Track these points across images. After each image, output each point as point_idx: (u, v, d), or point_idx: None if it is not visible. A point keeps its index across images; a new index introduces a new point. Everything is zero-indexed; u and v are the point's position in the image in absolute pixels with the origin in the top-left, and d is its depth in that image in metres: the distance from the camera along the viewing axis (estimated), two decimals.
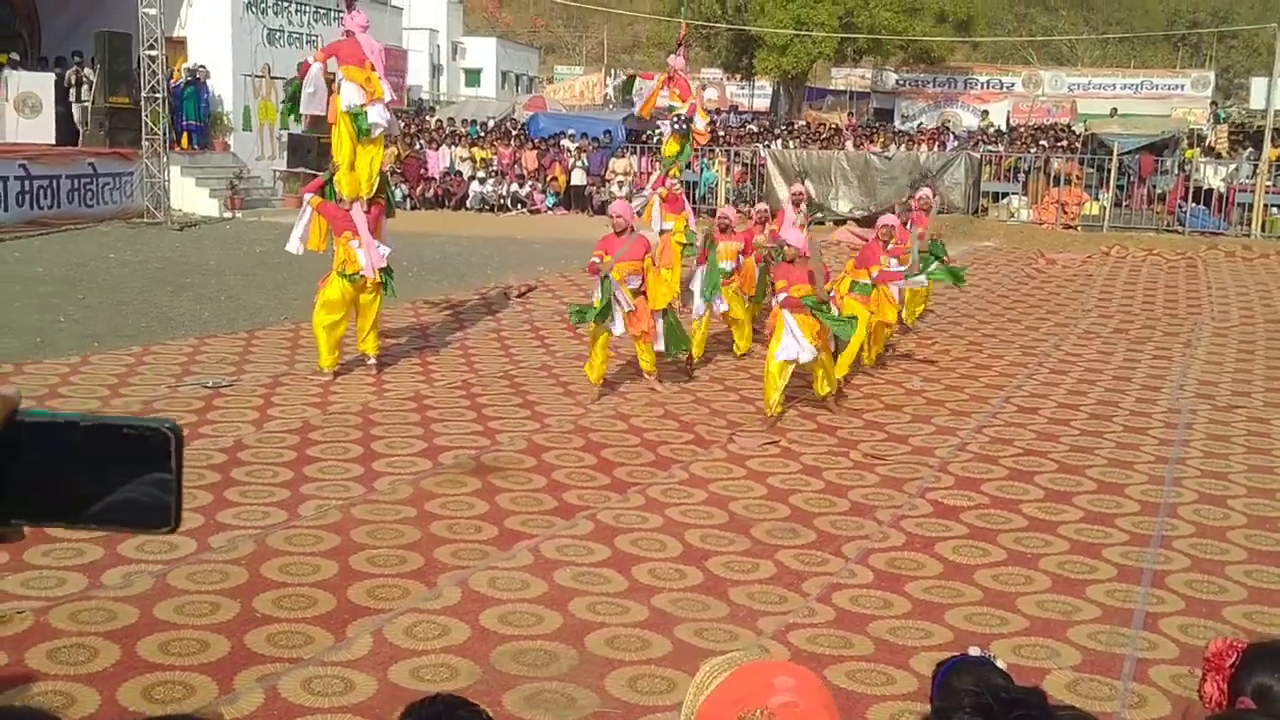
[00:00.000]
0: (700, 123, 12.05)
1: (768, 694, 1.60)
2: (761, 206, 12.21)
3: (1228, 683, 2.05)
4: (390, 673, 4.64)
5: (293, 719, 4.26)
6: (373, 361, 9.95)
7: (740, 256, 10.83)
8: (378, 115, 9.53)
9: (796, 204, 12.30)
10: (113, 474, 0.84)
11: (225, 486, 6.82)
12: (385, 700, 4.35)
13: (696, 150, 13.60)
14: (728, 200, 23.85)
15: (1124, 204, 23.78)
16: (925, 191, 13.16)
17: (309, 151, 16.13)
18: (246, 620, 5.06)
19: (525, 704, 4.44)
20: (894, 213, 11.94)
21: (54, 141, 20.04)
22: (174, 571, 5.52)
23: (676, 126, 11.91)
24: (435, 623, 5.12)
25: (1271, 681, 2.01)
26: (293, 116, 10.60)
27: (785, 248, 9.00)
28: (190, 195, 21.49)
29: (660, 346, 9.42)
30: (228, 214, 21.60)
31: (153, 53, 19.44)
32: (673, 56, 12.76)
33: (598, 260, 8.98)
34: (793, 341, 8.56)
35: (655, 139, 20.89)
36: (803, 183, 15.00)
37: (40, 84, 20.15)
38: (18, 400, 0.82)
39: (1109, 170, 23.09)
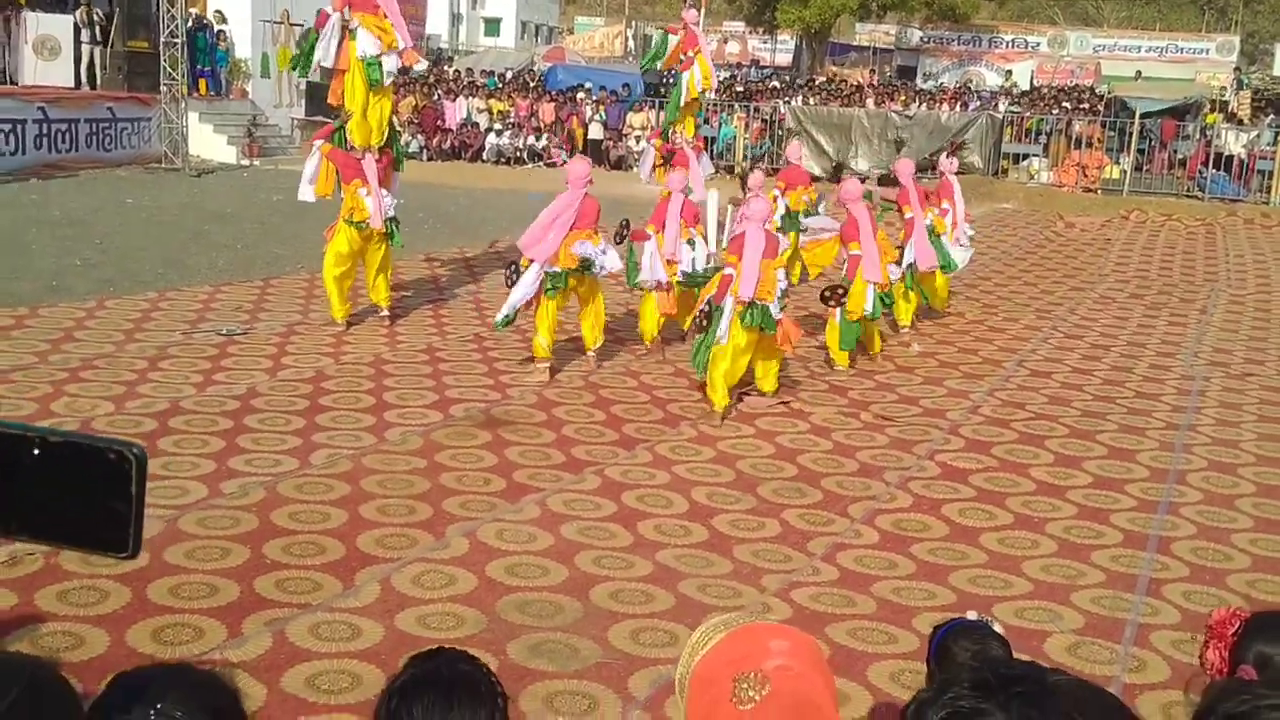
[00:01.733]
0: (697, 77, 11.71)
1: (763, 657, 1.62)
2: (757, 176, 11.84)
3: (1230, 651, 2.07)
4: (397, 620, 4.69)
5: (300, 662, 4.32)
6: (385, 313, 9.97)
7: None
8: (392, 65, 9.49)
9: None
10: (76, 492, 0.84)
11: (237, 433, 6.87)
12: (391, 646, 4.40)
13: (700, 105, 13.35)
14: (745, 156, 23.73)
15: (1144, 168, 23.54)
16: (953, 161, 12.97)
17: (327, 99, 16.07)
18: (256, 566, 5.11)
19: (529, 653, 4.49)
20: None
21: (73, 84, 20.01)
22: (185, 516, 5.58)
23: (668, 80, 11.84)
24: (442, 572, 5.17)
25: (1272, 650, 2.03)
26: (297, 69, 10.54)
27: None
28: (208, 141, 21.48)
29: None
30: (245, 161, 21.58)
31: None
32: (687, 8, 12.62)
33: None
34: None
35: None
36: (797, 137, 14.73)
37: (59, 26, 20.06)
38: None
39: (1130, 134, 22.85)
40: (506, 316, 8.46)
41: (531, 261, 8.35)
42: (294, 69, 10.31)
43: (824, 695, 1.62)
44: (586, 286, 8.74)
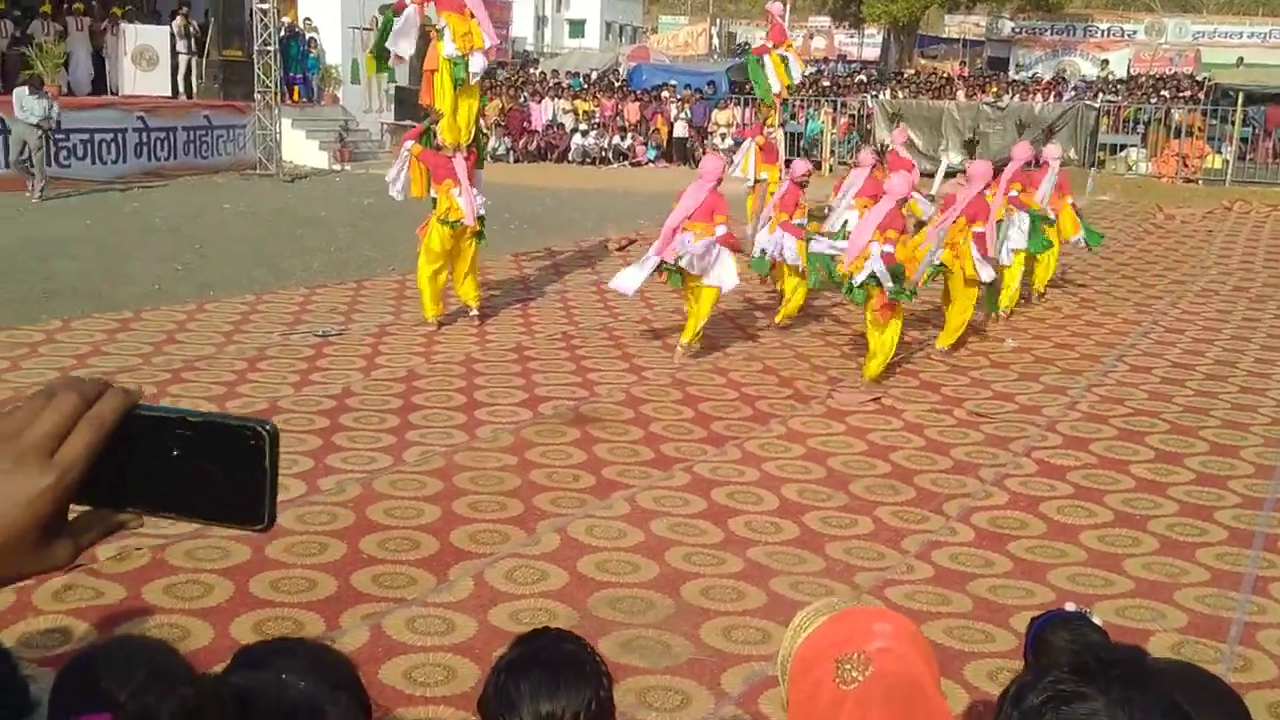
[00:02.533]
0: (794, 70, 11.76)
1: (866, 639, 1.61)
2: (867, 152, 11.95)
3: None
4: (490, 615, 4.74)
5: (396, 655, 4.38)
6: (475, 313, 10.09)
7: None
8: (478, 65, 9.57)
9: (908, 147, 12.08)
10: (215, 470, 0.87)
11: (333, 432, 7.00)
12: (485, 641, 4.45)
13: (784, 99, 13.34)
14: (831, 152, 23.55)
15: (1248, 157, 22.84)
16: (1054, 148, 12.77)
17: (417, 103, 16.33)
18: (353, 560, 5.21)
19: (621, 649, 4.50)
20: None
21: (170, 94, 20.60)
22: (284, 513, 5.70)
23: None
24: (534, 568, 5.21)
25: None
26: (378, 69, 10.58)
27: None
28: (300, 147, 21.94)
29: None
30: (336, 166, 22.00)
31: (264, 5, 19.80)
32: (771, 1, 12.58)
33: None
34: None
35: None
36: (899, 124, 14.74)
37: (157, 37, 20.69)
38: (140, 395, 0.87)
39: (1233, 122, 22.17)
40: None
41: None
42: (380, 65, 10.34)
43: (926, 677, 1.60)
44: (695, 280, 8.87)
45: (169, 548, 5.15)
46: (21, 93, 15.90)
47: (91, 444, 0.84)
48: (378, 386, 8.04)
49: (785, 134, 12.79)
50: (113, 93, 19.97)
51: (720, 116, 25.12)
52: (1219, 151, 22.36)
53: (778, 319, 10.41)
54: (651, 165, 24.69)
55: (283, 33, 22.07)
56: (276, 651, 1.29)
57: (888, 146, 14.79)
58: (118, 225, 14.42)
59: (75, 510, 0.87)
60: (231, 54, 21.12)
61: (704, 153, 24.05)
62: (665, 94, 26.31)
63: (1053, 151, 12.27)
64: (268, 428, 0.88)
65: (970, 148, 21.93)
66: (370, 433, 7.04)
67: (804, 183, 10.65)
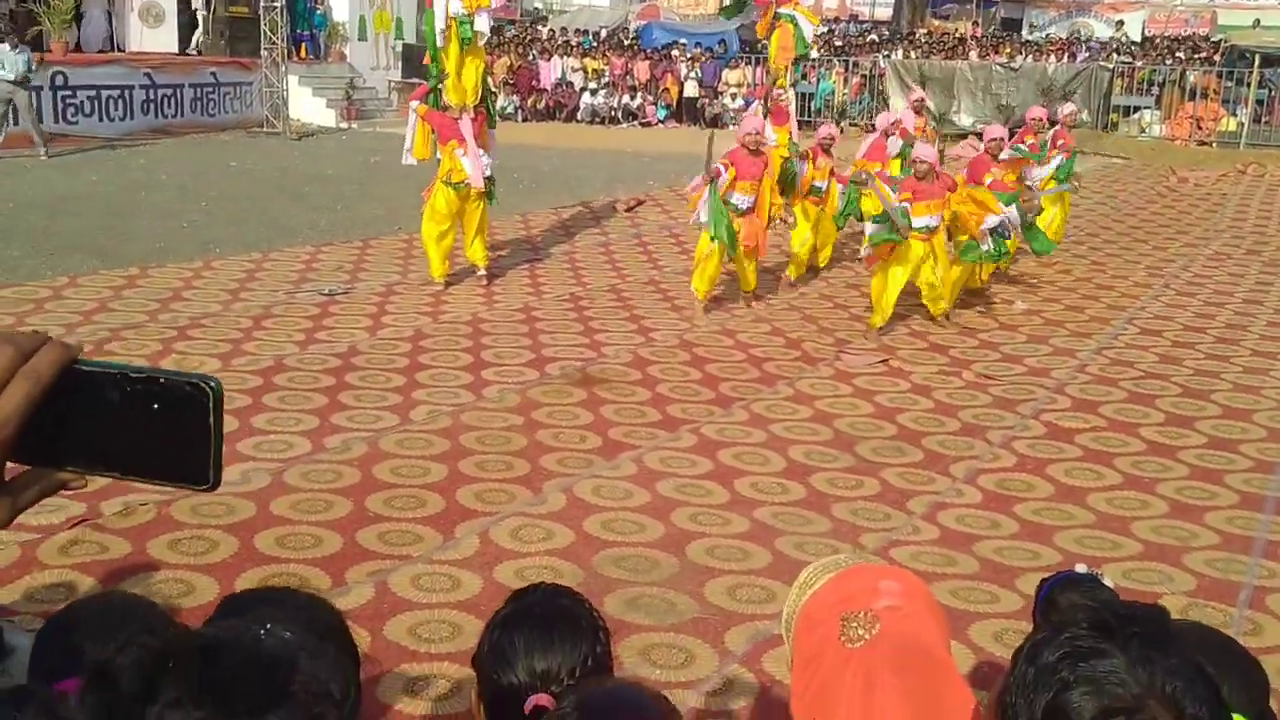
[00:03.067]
0: (805, 30, 11.60)
1: (873, 597, 1.58)
2: (886, 116, 11.85)
3: None
4: (495, 572, 4.74)
5: (401, 612, 4.38)
6: (483, 273, 10.04)
7: (831, 177, 10.57)
8: (483, 24, 9.46)
9: (918, 111, 11.94)
10: (158, 427, 0.84)
11: (339, 390, 6.99)
12: (490, 598, 4.44)
13: (798, 60, 13.21)
14: (843, 112, 23.34)
15: (1264, 120, 22.57)
16: (1071, 107, 12.65)
17: (423, 61, 16.21)
18: (358, 518, 5.20)
19: (626, 607, 4.50)
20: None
21: (177, 50, 20.47)
22: (290, 470, 5.70)
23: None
24: (540, 527, 5.20)
25: None
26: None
27: (917, 163, 8.78)
28: (307, 105, 21.82)
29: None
30: (343, 124, 21.89)
31: None
32: None
33: (722, 168, 8.84)
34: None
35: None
36: (922, 89, 14.57)
37: None
38: (79, 350, 0.83)
39: (1248, 84, 21.91)
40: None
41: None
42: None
43: (935, 637, 1.57)
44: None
45: (174, 503, 5.14)
46: (2, 49, 15.44)
47: (27, 399, 0.81)
48: (384, 346, 8.02)
49: (796, 94, 12.64)
50: (119, 49, 19.85)
51: (731, 76, 24.89)
52: (1234, 114, 22.11)
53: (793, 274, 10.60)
54: (661, 125, 24.51)
55: None
56: (262, 600, 1.27)
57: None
58: (124, 182, 14.37)
59: (14, 469, 0.84)
60: (238, 10, 20.97)
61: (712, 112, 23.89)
62: (675, 53, 26.07)
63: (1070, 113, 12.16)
64: (211, 384, 0.85)
65: (1005, 113, 21.61)
66: (376, 391, 7.02)
67: (827, 145, 10.55)
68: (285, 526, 5.07)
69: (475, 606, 4.40)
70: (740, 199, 8.93)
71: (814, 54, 15.77)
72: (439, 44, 9.47)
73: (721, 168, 8.84)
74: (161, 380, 0.84)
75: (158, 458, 0.85)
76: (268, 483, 5.51)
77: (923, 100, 12.38)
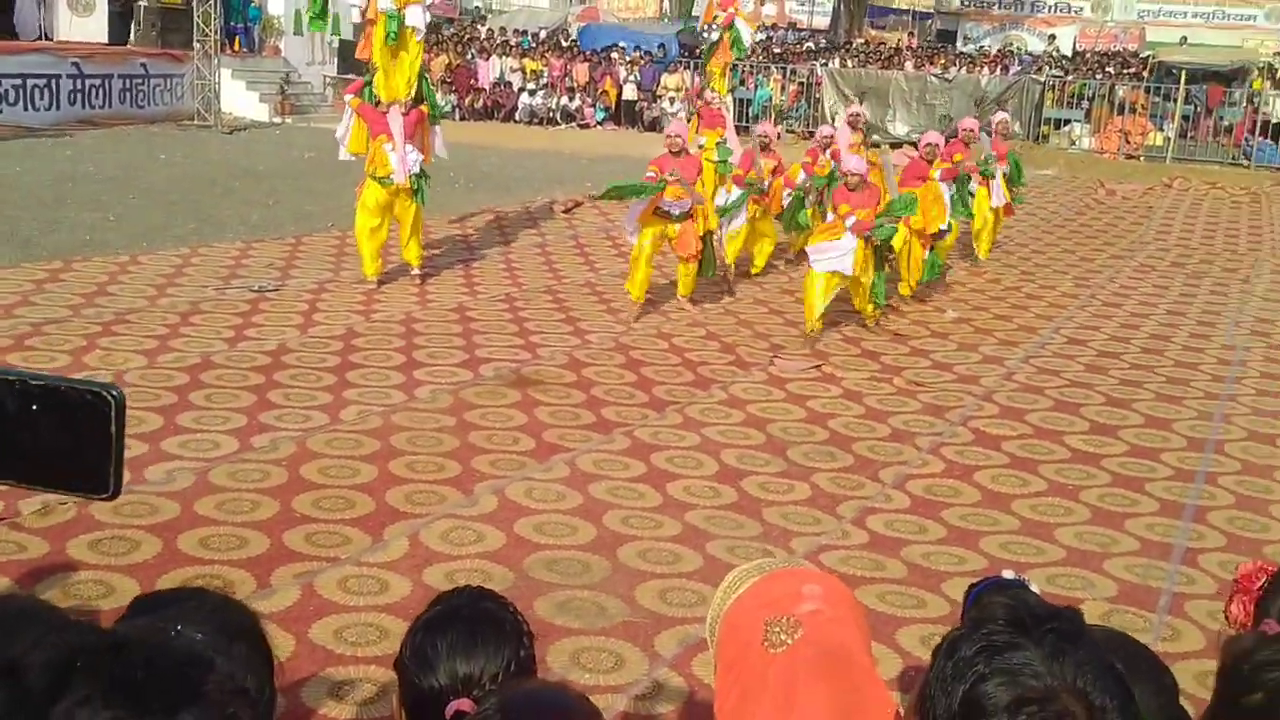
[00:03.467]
0: (744, 36, 11.72)
1: (795, 602, 1.58)
2: (825, 130, 11.96)
3: (1254, 605, 2.03)
4: (425, 575, 4.69)
5: (328, 615, 4.32)
6: (416, 272, 9.95)
7: (773, 175, 10.69)
8: (416, 18, 9.37)
9: (854, 126, 12.07)
10: (59, 436, 0.82)
11: (268, 389, 6.88)
12: (419, 601, 4.37)
13: (733, 65, 13.31)
14: (778, 120, 23.49)
15: (1189, 135, 23.13)
16: (1003, 116, 12.88)
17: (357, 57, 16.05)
18: (285, 519, 5.12)
19: (556, 610, 4.48)
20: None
21: (106, 40, 20.05)
22: (215, 469, 5.60)
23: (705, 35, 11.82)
24: (471, 529, 5.17)
25: None
26: (316, 24, 10.38)
27: (849, 176, 8.88)
28: (240, 99, 21.49)
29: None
30: (277, 119, 21.59)
31: None
32: None
33: (653, 175, 8.87)
34: (835, 255, 8.53)
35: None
36: (860, 104, 14.73)
37: None
38: None
39: (1175, 100, 22.44)
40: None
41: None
42: (320, 22, 10.09)
43: (857, 642, 1.57)
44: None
45: (95, 503, 5.02)
46: None
47: None
48: (315, 344, 7.91)
49: (735, 100, 12.72)
50: (46, 38, 19.40)
51: (669, 80, 24.94)
52: (1161, 129, 22.63)
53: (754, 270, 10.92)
54: (600, 127, 24.49)
55: None
56: (174, 600, 1.24)
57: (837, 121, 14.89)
58: (50, 173, 14.04)
59: None
60: (170, 1, 20.58)
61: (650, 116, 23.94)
62: (615, 55, 26.07)
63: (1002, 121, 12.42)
64: (113, 393, 0.82)
65: (943, 123, 21.89)
66: (306, 390, 6.92)
67: (765, 144, 10.66)
68: (210, 527, 4.99)
69: (404, 609, 4.36)
70: (673, 205, 8.95)
71: (745, 55, 15.81)
72: (356, 39, 9.44)
73: (652, 174, 8.90)
74: (62, 389, 0.82)
75: (57, 466, 0.82)
76: (192, 482, 5.41)
77: (859, 115, 12.52)
